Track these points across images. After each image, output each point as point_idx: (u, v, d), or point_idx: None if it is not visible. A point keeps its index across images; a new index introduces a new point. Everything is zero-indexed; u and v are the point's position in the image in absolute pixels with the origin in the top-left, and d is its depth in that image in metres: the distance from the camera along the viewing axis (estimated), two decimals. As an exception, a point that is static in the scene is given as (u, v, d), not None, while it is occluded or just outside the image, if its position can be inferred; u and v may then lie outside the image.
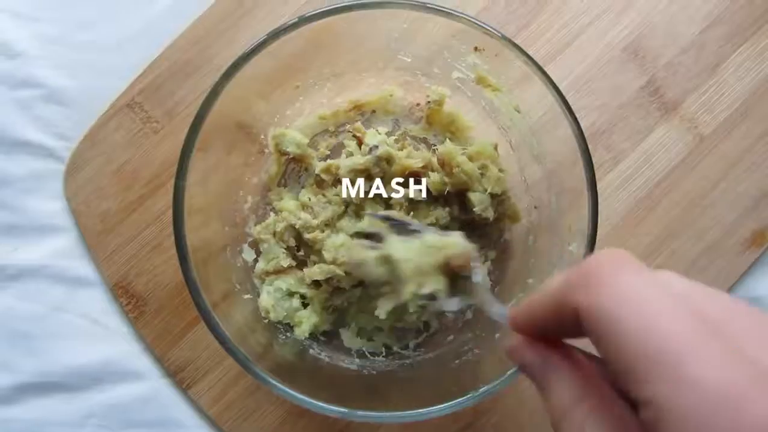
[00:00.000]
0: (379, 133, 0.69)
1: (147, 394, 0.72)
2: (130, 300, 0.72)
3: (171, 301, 0.72)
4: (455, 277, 0.53)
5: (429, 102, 0.69)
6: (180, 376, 0.72)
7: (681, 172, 0.75)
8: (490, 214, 0.66)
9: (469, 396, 0.53)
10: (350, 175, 0.66)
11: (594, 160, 0.72)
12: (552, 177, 0.62)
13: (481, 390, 0.53)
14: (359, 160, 0.65)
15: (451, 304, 0.53)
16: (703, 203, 0.75)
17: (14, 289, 0.73)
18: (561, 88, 0.71)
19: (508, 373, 0.53)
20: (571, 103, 0.72)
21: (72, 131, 0.74)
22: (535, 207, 0.67)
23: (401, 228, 0.57)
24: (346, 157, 0.68)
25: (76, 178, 0.73)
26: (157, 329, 0.72)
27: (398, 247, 0.55)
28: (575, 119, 0.56)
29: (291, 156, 0.69)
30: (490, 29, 0.56)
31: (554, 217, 0.61)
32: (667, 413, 0.26)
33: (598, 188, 0.71)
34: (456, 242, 0.54)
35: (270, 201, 0.71)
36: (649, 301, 0.28)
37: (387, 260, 0.55)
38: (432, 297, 0.53)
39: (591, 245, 0.55)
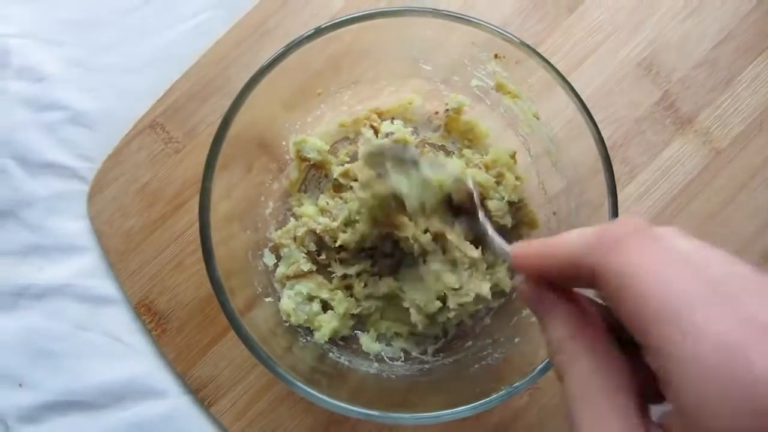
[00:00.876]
0: (394, 123, 0.70)
1: (169, 411, 0.73)
2: (152, 318, 0.73)
3: (193, 318, 0.73)
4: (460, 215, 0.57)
5: (447, 110, 0.71)
6: (202, 394, 0.72)
7: (697, 186, 0.76)
8: (508, 221, 0.67)
9: (494, 397, 0.54)
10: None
11: (610, 174, 0.74)
12: (572, 187, 0.63)
13: (503, 391, 0.54)
14: (375, 143, 0.67)
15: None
16: (719, 217, 0.75)
17: (39, 308, 0.74)
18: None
19: (530, 375, 0.54)
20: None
21: (95, 152, 0.76)
22: (554, 213, 0.67)
23: (400, 161, 0.59)
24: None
25: (100, 198, 0.74)
26: (179, 347, 0.72)
27: (401, 181, 0.58)
28: (596, 126, 0.56)
29: (311, 162, 0.71)
30: (512, 36, 0.57)
31: (573, 226, 0.62)
32: (673, 362, 0.28)
33: (616, 201, 0.72)
34: (450, 173, 0.57)
35: (291, 206, 0.72)
36: (659, 263, 0.31)
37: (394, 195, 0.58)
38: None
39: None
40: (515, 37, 0.57)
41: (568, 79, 0.76)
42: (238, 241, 0.65)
